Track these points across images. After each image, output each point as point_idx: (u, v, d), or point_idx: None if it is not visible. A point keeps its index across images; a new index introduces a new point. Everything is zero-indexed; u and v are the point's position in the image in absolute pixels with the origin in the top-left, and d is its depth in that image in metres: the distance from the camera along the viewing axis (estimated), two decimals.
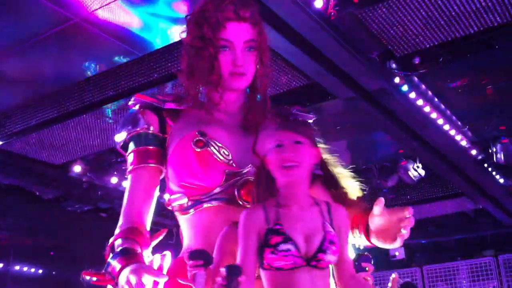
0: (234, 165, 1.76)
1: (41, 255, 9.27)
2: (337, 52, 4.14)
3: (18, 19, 4.20)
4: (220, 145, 1.76)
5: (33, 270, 9.79)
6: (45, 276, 9.81)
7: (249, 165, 1.75)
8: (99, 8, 4.09)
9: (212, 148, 1.75)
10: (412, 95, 4.94)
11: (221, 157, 1.75)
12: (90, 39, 4.44)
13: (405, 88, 4.80)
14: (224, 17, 1.75)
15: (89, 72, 4.89)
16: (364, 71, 4.41)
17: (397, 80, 4.67)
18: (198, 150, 1.75)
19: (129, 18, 4.24)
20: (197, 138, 1.76)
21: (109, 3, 4.02)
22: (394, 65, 4.56)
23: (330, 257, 1.58)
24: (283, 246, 1.56)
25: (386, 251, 9.87)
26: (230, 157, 1.76)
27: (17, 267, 9.55)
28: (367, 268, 1.77)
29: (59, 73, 4.94)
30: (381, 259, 9.48)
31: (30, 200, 7.11)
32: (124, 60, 4.69)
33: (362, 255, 1.80)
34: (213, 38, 1.76)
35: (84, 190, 6.91)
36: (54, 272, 9.89)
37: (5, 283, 9.11)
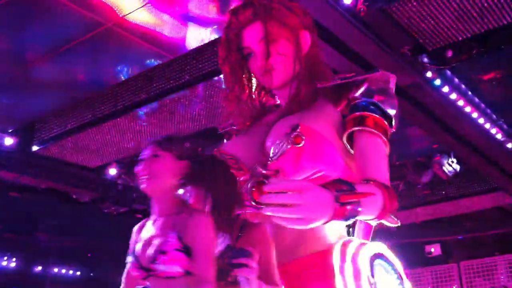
0: (243, 171, 1.73)
1: (79, 256, 9.44)
2: (368, 48, 4.12)
3: (52, 26, 4.29)
4: (229, 156, 1.74)
5: (71, 272, 9.97)
6: (83, 277, 9.99)
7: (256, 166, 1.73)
8: (130, 12, 4.15)
9: None
10: (445, 89, 4.88)
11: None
12: (122, 43, 4.51)
13: (438, 82, 4.75)
14: (233, 31, 1.74)
15: (122, 76, 4.97)
16: (396, 66, 4.37)
17: (429, 74, 4.63)
18: None
19: (160, 21, 4.29)
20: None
21: (140, 7, 4.08)
22: (426, 59, 4.52)
23: (162, 267, 1.66)
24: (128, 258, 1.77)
25: (422, 248, 9.77)
26: (237, 165, 1.72)
27: (55, 269, 9.74)
28: (245, 264, 1.64)
29: (93, 77, 5.03)
30: (416, 256, 9.39)
31: (67, 202, 7.25)
32: (156, 63, 4.75)
33: (231, 249, 1.67)
34: (236, 53, 1.76)
35: (120, 192, 7.02)
36: (92, 274, 10.06)
37: (44, 285, 9.29)
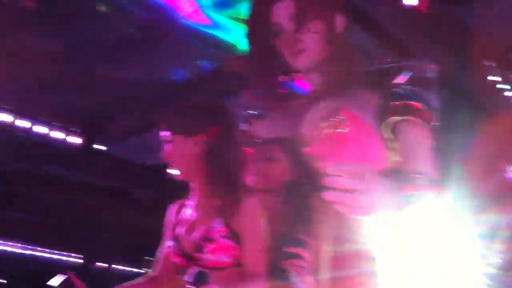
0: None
1: (142, 255, 9.63)
2: (431, 50, 4.05)
3: (109, 24, 4.39)
4: (259, 140, 1.66)
5: (135, 269, 10.20)
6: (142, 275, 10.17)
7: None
8: (188, 13, 4.21)
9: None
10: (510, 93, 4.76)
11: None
12: (180, 44, 4.57)
13: (502, 85, 4.64)
14: (262, 5, 1.63)
15: (181, 77, 5.04)
16: (460, 69, 4.28)
17: (493, 77, 4.54)
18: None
19: (216, 23, 4.32)
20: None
21: (197, 9, 4.12)
22: (491, 63, 4.42)
23: (210, 256, 1.55)
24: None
25: None
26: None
27: (119, 267, 9.99)
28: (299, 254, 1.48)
29: (156, 77, 5.12)
30: None
31: (131, 201, 7.42)
32: (214, 64, 4.79)
33: (287, 238, 1.53)
34: (266, 28, 1.63)
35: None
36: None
37: (106, 282, 9.52)
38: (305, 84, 1.71)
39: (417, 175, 1.32)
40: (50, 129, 5.67)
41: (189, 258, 1.59)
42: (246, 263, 1.56)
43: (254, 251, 1.56)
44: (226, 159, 1.66)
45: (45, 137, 5.66)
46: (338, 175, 1.11)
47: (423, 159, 1.42)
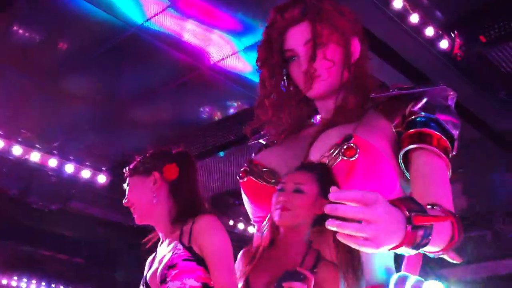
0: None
1: None
2: (464, 92, 4.04)
3: (147, 68, 4.45)
4: (264, 168, 1.56)
5: None
6: None
7: None
8: (223, 59, 4.26)
9: (254, 175, 1.56)
10: None
11: (264, 182, 1.54)
12: (214, 86, 4.62)
13: None
14: (277, 31, 1.55)
15: (212, 117, 5.07)
16: (492, 111, 4.27)
17: None
18: (241, 181, 1.59)
19: (250, 66, 4.37)
20: (242, 169, 1.61)
21: (232, 54, 4.17)
22: None
23: (174, 284, 1.49)
24: None
25: None
26: (275, 178, 1.52)
27: None
28: None
29: (184, 117, 5.16)
30: None
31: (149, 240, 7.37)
32: (246, 106, 4.82)
33: (286, 272, 1.36)
34: (277, 56, 1.56)
35: None
36: None
37: None
38: (316, 115, 1.66)
39: (428, 206, 1.23)
40: (80, 168, 5.70)
41: None
42: (217, 285, 1.51)
43: (222, 270, 1.51)
44: (185, 191, 1.69)
45: (74, 175, 5.71)
46: (340, 202, 1.00)
47: (438, 190, 1.34)
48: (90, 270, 7.78)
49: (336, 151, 1.38)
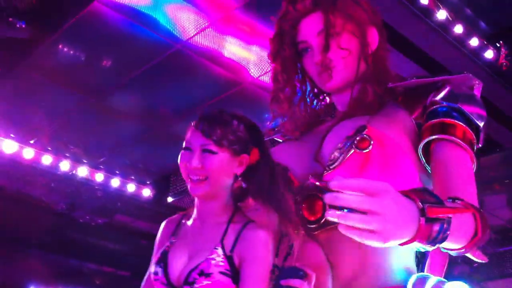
0: (293, 183, 1.41)
1: None
2: (510, 102, 3.98)
3: (191, 84, 4.52)
4: (277, 164, 1.46)
5: None
6: None
7: (309, 177, 1.34)
8: (265, 73, 4.29)
9: None
10: None
11: None
12: (256, 101, 4.65)
13: None
14: (288, 22, 1.48)
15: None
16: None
17: None
18: None
19: None
20: None
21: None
22: None
23: None
24: (154, 268, 1.35)
25: None
26: (286, 176, 1.43)
27: None
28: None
29: None
30: None
31: None
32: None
33: (284, 269, 1.27)
34: (290, 48, 1.49)
35: None
36: None
37: None
38: (332, 110, 1.56)
39: (448, 199, 1.14)
40: (125, 182, 5.81)
41: None
42: None
43: None
44: (264, 182, 1.37)
45: (119, 189, 5.80)
46: (341, 191, 0.92)
47: (461, 183, 1.25)
48: (135, 282, 7.87)
49: (349, 143, 1.29)
